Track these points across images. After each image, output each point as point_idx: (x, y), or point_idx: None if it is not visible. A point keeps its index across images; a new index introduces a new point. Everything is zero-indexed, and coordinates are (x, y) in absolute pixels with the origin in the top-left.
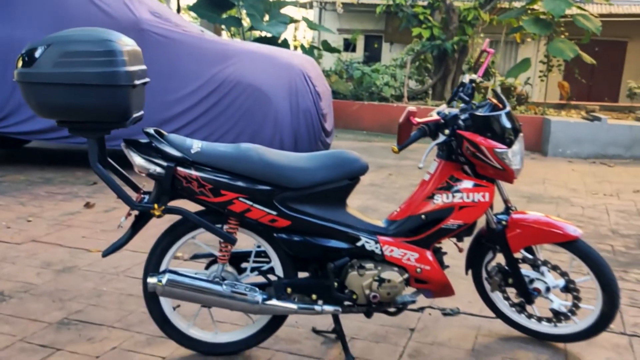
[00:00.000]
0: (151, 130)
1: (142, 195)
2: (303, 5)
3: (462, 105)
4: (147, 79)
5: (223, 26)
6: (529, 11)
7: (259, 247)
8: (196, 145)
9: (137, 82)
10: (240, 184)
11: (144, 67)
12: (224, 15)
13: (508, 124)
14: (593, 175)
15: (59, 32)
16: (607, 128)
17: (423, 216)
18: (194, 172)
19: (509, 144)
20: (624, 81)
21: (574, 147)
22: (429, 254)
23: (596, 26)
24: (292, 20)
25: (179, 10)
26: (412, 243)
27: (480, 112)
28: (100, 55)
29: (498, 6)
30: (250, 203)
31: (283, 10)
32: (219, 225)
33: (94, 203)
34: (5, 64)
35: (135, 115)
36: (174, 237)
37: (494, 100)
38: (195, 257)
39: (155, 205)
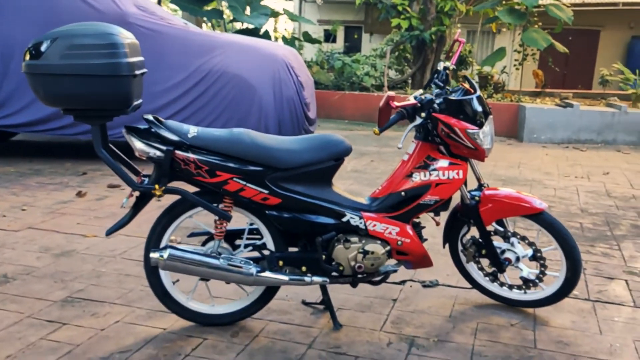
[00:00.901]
0: (150, 117)
1: (143, 178)
2: None
3: (436, 90)
4: (145, 70)
5: (205, 18)
6: (504, 2)
7: (251, 224)
8: (192, 130)
9: (137, 72)
10: (234, 165)
11: (142, 58)
12: (206, 8)
13: (479, 107)
14: (566, 159)
15: (63, 26)
16: (579, 114)
17: (403, 193)
18: (191, 155)
19: (480, 125)
20: (597, 69)
21: (548, 133)
22: (408, 228)
23: (568, 16)
24: (273, 12)
25: (159, 3)
26: (393, 218)
27: (453, 97)
28: (104, 48)
29: None
30: (244, 183)
31: (263, 2)
32: (215, 204)
33: (86, 192)
34: None
35: (135, 103)
36: (173, 216)
37: (466, 85)
38: (192, 235)
39: (157, 186)
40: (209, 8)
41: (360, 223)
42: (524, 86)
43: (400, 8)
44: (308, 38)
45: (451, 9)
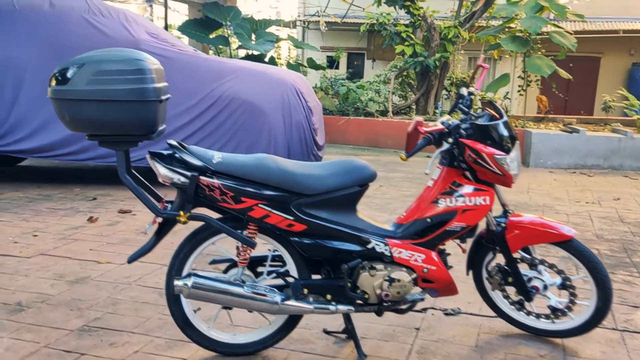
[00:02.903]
0: (174, 142)
1: (166, 204)
2: (287, 25)
3: (462, 115)
4: (169, 95)
5: (210, 45)
6: (507, 29)
7: (274, 251)
8: (217, 155)
9: (163, 97)
10: (259, 191)
11: (166, 84)
12: (212, 35)
13: (506, 133)
14: (574, 184)
15: (89, 52)
16: (585, 139)
17: (428, 219)
18: (216, 181)
19: (507, 151)
20: (598, 95)
21: (555, 158)
22: (434, 255)
23: (571, 43)
24: (278, 39)
25: (166, 29)
26: (418, 245)
27: (480, 122)
28: (131, 74)
29: (476, 24)
30: (269, 209)
31: (268, 30)
32: (239, 231)
33: (97, 217)
34: (3, 83)
35: (160, 128)
36: (195, 243)
37: (491, 111)
38: (214, 262)
39: (181, 213)
40: (215, 35)
41: (386, 250)
42: (526, 112)
43: (404, 35)
44: (312, 64)
45: (454, 36)
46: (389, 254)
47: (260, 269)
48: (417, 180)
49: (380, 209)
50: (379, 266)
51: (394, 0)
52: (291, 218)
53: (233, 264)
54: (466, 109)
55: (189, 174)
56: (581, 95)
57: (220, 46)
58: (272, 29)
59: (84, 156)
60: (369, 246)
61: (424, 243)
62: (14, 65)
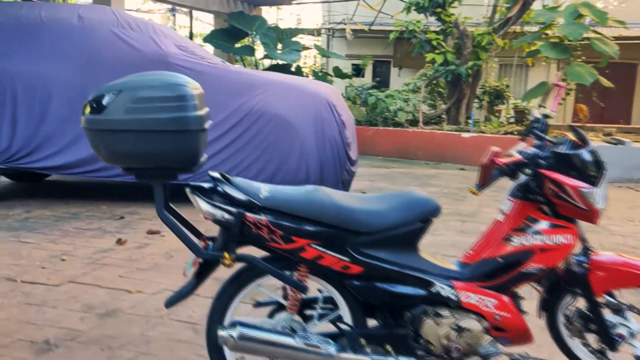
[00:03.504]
0: (216, 174)
1: (208, 242)
2: (311, 33)
3: (534, 141)
4: (211, 121)
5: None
6: (544, 36)
7: (325, 292)
8: (264, 189)
9: (205, 125)
10: (312, 229)
11: (208, 109)
12: (237, 45)
13: (592, 162)
14: (622, 200)
15: (126, 78)
16: (631, 152)
17: (500, 259)
18: (263, 218)
19: (594, 183)
20: (635, 103)
21: None
22: (507, 300)
23: (614, 50)
24: (304, 48)
25: (191, 38)
26: (489, 288)
27: (561, 150)
28: (172, 101)
29: (510, 31)
30: (323, 249)
31: (294, 39)
32: (288, 272)
33: (126, 239)
34: (32, 99)
35: (202, 159)
36: (239, 285)
37: (572, 137)
38: (258, 305)
39: (226, 254)
40: (240, 45)
41: (452, 294)
42: (562, 122)
43: (434, 42)
44: (339, 73)
45: (488, 43)
46: (455, 299)
47: (308, 312)
48: (454, 195)
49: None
50: (445, 313)
51: (424, 7)
52: (347, 259)
53: (279, 307)
54: (542, 135)
55: (234, 210)
56: (618, 103)
57: (246, 56)
58: (296, 38)
59: (111, 173)
60: (433, 289)
61: (495, 286)
62: (42, 81)
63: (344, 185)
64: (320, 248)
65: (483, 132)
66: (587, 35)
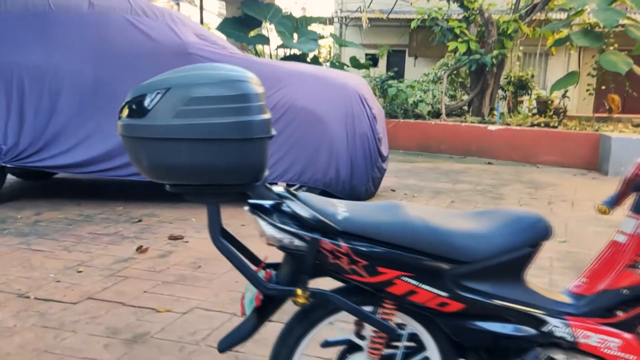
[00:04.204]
0: (281, 189)
1: (270, 272)
2: (322, 22)
3: None
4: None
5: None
6: (573, 22)
7: (404, 326)
8: (341, 208)
9: (273, 132)
10: (404, 258)
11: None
12: (251, 34)
13: None
14: None
15: (175, 72)
16: None
17: (625, 291)
18: (343, 244)
19: None
20: None
21: None
22: (633, 340)
23: None
24: (321, 37)
25: None
26: (610, 326)
27: None
28: (233, 101)
29: (534, 19)
30: (416, 283)
31: (309, 28)
32: (369, 307)
33: (147, 247)
34: (40, 93)
35: (266, 174)
36: (309, 324)
37: None
38: (327, 344)
39: (299, 291)
40: (254, 34)
41: (567, 333)
42: (585, 111)
43: (457, 31)
44: (356, 63)
45: (514, 31)
46: (571, 339)
47: (387, 350)
48: (489, 194)
49: None
50: (560, 357)
51: None
52: (445, 295)
53: (351, 347)
54: None
55: (307, 235)
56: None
57: (259, 45)
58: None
59: (127, 171)
60: (545, 328)
61: (619, 323)
62: (50, 73)
63: (374, 183)
64: (413, 281)
65: (508, 125)
66: (621, 22)
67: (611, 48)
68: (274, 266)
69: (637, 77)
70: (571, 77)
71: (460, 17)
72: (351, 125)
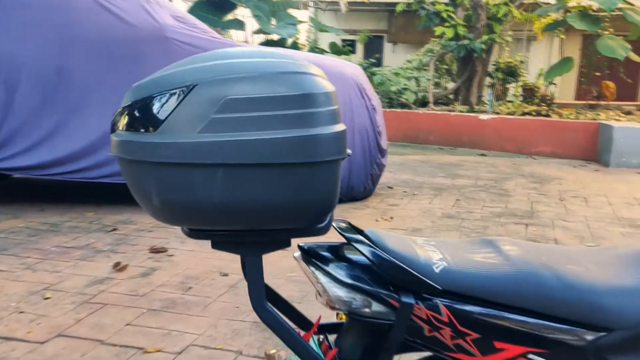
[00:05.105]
0: (344, 225)
1: (327, 343)
2: (296, 6)
3: None
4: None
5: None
6: (567, 6)
7: None
8: (432, 252)
9: (349, 152)
10: (533, 328)
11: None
12: (225, 18)
13: None
14: None
15: (196, 60)
16: None
17: None
18: (444, 310)
19: None
20: None
21: None
22: None
23: None
24: (299, 22)
25: None
26: None
27: None
28: (294, 105)
29: (524, 2)
30: None
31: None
32: None
33: (126, 264)
34: None
35: (334, 210)
36: None
37: None
38: None
39: None
40: (229, 18)
41: None
42: (569, 98)
43: (444, 15)
44: (336, 49)
45: (504, 15)
46: None
47: None
48: (493, 189)
49: (478, 234)
50: None
51: None
52: None
53: None
54: None
55: (395, 298)
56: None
57: (234, 30)
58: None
59: (97, 173)
60: None
61: None
62: (6, 63)
63: (373, 180)
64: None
65: (498, 113)
66: (618, 6)
67: (606, 33)
68: (330, 328)
69: (626, 63)
70: (566, 64)
71: (447, 0)
72: (350, 118)
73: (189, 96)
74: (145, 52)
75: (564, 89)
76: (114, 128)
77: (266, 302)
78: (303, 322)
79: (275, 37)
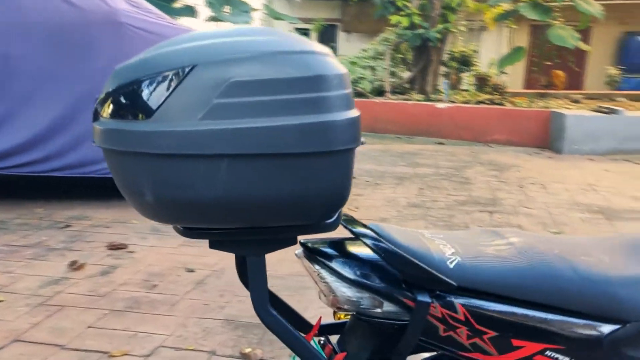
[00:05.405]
0: (348, 219)
1: (331, 346)
2: None
3: None
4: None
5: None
6: None
7: None
8: (445, 248)
9: (363, 140)
10: (551, 324)
11: None
12: (175, 5)
13: None
14: (633, 176)
15: (194, 38)
16: (626, 121)
17: None
18: (460, 307)
19: None
20: (588, 67)
21: (591, 143)
22: None
23: (597, 10)
24: (252, 9)
25: None
26: None
27: None
28: (305, 88)
29: None
30: (564, 358)
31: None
32: None
33: (83, 262)
34: None
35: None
36: None
37: None
38: None
39: None
40: (179, 5)
41: None
42: (518, 87)
43: (400, 4)
44: None
45: (458, 5)
46: None
47: None
48: (454, 177)
49: (448, 226)
50: None
51: None
52: None
53: None
54: None
55: (409, 297)
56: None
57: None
58: None
59: (46, 167)
60: None
61: None
62: None
63: None
64: (563, 357)
65: (454, 102)
66: None
67: (556, 23)
68: (330, 329)
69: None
70: (518, 53)
71: None
72: None
73: (188, 79)
74: (98, 38)
75: (513, 78)
76: (96, 115)
77: (269, 305)
78: (301, 323)
79: (229, 25)
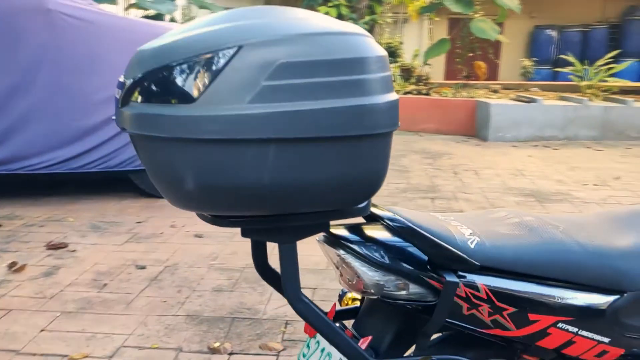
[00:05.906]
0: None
1: (352, 332)
2: None
3: None
4: None
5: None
6: None
7: None
8: (462, 229)
9: (398, 122)
10: (562, 299)
11: None
12: None
13: None
14: (554, 160)
15: (231, 16)
16: (543, 109)
17: None
18: (482, 286)
19: None
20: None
21: (513, 131)
22: None
23: (515, 4)
24: None
25: None
26: None
27: None
28: (347, 70)
29: None
30: (575, 330)
31: None
32: None
33: (23, 263)
34: None
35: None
36: None
37: None
38: None
39: None
40: None
41: None
42: (439, 78)
43: None
44: None
45: None
46: None
47: None
48: (392, 165)
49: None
50: None
51: None
52: (606, 340)
53: None
54: None
55: (435, 278)
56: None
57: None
58: None
59: None
60: None
61: None
62: None
63: None
64: (572, 328)
65: None
66: None
67: (476, 16)
68: (345, 314)
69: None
70: (443, 45)
71: None
72: None
73: (234, 60)
74: (25, 27)
75: (435, 69)
76: (126, 100)
77: (302, 292)
78: None
79: (151, 13)
